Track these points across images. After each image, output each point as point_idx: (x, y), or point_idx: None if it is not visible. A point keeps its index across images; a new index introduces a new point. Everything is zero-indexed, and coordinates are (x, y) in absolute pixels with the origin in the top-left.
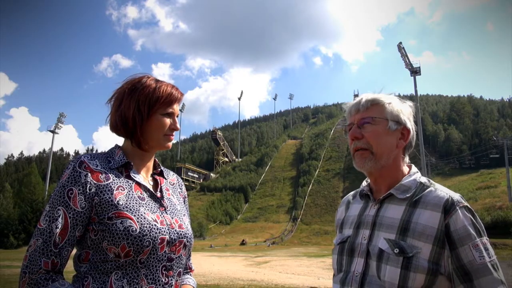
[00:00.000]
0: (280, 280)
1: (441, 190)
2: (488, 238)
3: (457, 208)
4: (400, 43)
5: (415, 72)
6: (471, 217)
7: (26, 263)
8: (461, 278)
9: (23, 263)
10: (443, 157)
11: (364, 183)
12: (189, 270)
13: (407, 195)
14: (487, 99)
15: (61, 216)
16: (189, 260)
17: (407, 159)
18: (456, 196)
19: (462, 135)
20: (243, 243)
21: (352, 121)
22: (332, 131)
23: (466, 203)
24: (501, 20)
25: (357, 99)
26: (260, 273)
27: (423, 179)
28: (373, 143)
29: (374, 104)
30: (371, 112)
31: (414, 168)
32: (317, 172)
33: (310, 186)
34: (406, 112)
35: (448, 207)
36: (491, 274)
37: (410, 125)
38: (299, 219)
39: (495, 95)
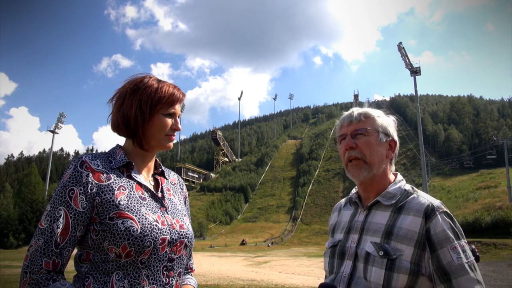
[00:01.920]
0: (280, 280)
1: (423, 197)
2: (466, 241)
3: (437, 213)
4: (400, 43)
5: (415, 72)
6: (450, 221)
7: (27, 263)
8: (441, 278)
9: (24, 263)
10: (443, 157)
11: (353, 191)
12: (189, 270)
13: (392, 202)
14: (487, 99)
15: (62, 216)
16: (190, 260)
17: (393, 168)
18: (436, 202)
19: (462, 135)
20: (243, 243)
21: (344, 132)
22: (332, 131)
23: (445, 209)
24: (501, 20)
25: (349, 112)
26: (260, 273)
27: (407, 187)
28: (367, 153)
29: (366, 117)
30: (364, 124)
31: (399, 177)
32: (317, 172)
33: (310, 186)
34: (392, 125)
35: (429, 213)
36: (468, 274)
37: (396, 137)
38: (299, 219)
39: (495, 95)
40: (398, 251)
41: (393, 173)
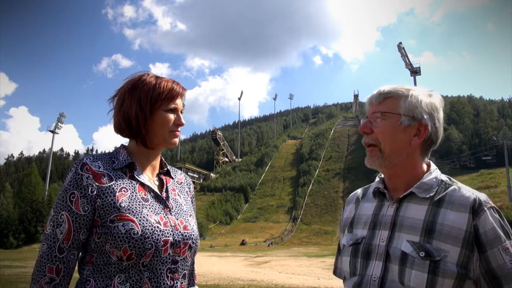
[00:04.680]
0: (280, 280)
1: (467, 190)
2: None
3: (485, 208)
4: (400, 43)
5: (415, 72)
6: (499, 218)
7: (35, 268)
8: (489, 283)
9: (34, 267)
10: (443, 157)
11: (377, 179)
12: (193, 278)
13: (430, 194)
14: (487, 99)
15: (64, 221)
16: (193, 265)
17: (425, 157)
18: (483, 196)
19: (462, 135)
20: (243, 243)
21: (367, 114)
22: (332, 131)
23: (493, 204)
24: (501, 20)
25: (375, 90)
26: (260, 273)
27: (443, 177)
28: (381, 140)
29: (388, 98)
30: (383, 106)
31: (433, 166)
32: (317, 172)
33: (310, 186)
34: (427, 106)
35: (476, 208)
36: None
37: (430, 120)
38: (299, 219)
39: (495, 95)
40: (442, 252)
41: (426, 163)
